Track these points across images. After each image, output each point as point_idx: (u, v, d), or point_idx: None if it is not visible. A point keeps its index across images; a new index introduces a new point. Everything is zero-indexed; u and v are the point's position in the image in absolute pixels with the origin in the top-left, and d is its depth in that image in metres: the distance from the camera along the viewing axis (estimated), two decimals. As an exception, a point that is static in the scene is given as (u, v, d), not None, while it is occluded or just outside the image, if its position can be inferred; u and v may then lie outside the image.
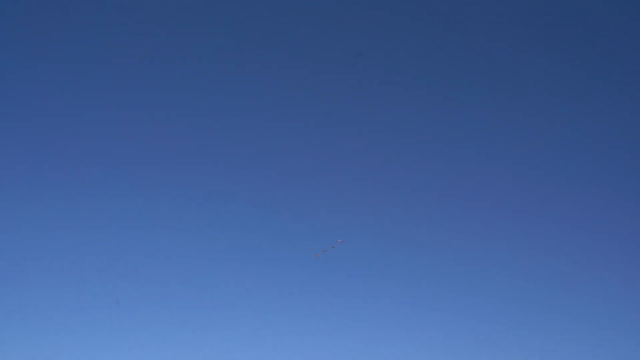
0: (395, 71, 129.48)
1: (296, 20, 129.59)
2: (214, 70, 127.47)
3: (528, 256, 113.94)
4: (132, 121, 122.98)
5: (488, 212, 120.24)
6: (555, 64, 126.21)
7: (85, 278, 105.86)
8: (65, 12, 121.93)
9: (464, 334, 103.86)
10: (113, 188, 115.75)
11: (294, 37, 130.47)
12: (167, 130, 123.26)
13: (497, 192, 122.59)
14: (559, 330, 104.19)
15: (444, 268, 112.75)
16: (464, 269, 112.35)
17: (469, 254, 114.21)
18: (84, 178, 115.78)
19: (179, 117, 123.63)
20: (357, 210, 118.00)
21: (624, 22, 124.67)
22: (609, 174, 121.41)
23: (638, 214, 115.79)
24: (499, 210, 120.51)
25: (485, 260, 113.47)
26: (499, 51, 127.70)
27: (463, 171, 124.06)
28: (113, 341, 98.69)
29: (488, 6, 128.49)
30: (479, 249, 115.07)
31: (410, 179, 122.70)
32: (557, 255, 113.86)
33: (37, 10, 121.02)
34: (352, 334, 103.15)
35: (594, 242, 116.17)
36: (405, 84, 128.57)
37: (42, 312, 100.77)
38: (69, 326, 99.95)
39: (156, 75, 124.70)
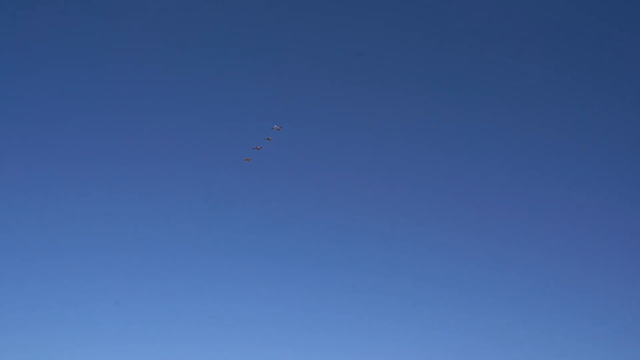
0: (395, 72, 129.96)
1: (296, 20, 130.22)
2: (214, 70, 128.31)
3: (525, 256, 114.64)
4: (131, 119, 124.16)
5: (486, 213, 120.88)
6: (555, 70, 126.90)
7: (86, 278, 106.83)
8: (65, 15, 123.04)
9: (464, 333, 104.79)
10: (115, 187, 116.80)
11: (294, 37, 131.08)
12: (164, 129, 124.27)
13: (495, 193, 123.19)
14: (557, 329, 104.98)
15: (444, 268, 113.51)
16: (463, 269, 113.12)
17: (467, 254, 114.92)
18: (84, 177, 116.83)
19: (176, 116, 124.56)
20: (356, 211, 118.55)
21: (620, 29, 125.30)
22: (606, 176, 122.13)
23: (634, 214, 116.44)
24: (496, 211, 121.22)
25: (482, 260, 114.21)
26: (499, 53, 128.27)
27: (462, 171, 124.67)
28: (113, 341, 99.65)
29: (489, 9, 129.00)
30: (476, 249, 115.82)
31: (408, 179, 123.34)
32: (554, 255, 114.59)
33: (38, 11, 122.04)
34: (350, 333, 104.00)
35: (591, 243, 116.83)
36: (404, 84, 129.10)
37: (42, 313, 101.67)
38: (69, 326, 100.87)
39: (154, 75, 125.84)
